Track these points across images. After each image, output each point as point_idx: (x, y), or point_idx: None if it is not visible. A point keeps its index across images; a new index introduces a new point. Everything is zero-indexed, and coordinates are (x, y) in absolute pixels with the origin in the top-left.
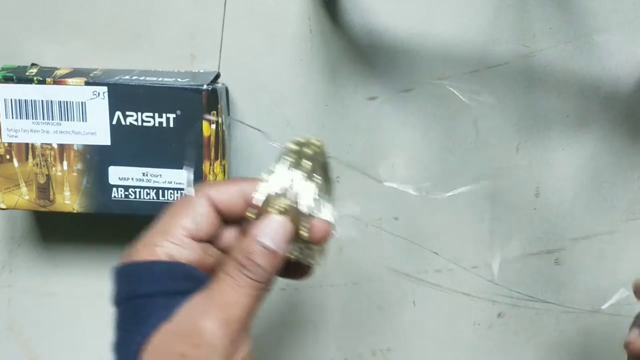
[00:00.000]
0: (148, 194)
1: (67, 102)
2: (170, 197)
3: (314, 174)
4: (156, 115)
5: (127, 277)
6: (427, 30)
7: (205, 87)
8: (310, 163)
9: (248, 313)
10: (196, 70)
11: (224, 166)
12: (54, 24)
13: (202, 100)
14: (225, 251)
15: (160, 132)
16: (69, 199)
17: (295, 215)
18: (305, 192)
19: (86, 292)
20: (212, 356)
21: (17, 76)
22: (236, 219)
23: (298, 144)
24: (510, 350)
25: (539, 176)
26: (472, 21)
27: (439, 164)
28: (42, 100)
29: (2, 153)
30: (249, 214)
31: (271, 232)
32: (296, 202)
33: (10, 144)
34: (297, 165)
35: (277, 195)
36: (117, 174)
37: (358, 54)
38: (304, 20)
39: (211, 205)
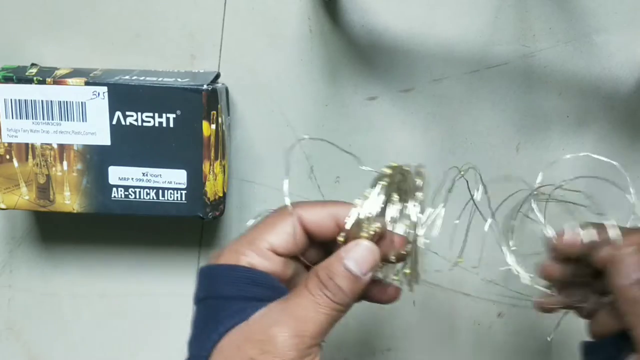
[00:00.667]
0: (148, 194)
1: (67, 102)
2: (170, 197)
3: (406, 199)
4: (156, 115)
5: (209, 278)
6: (427, 30)
7: (205, 87)
8: (403, 189)
9: (321, 330)
10: (196, 70)
11: (224, 166)
12: (54, 24)
13: (202, 100)
14: (308, 267)
15: (160, 132)
16: (69, 199)
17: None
18: (397, 217)
19: (86, 292)
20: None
21: (17, 76)
22: (324, 240)
23: (392, 168)
24: (510, 350)
25: (538, 176)
26: (472, 21)
27: (439, 164)
28: (42, 100)
29: (2, 153)
30: (339, 239)
31: (357, 256)
32: (387, 227)
33: (10, 144)
34: (389, 190)
35: (369, 220)
36: (117, 174)
37: (358, 54)
38: (304, 20)
39: (300, 225)
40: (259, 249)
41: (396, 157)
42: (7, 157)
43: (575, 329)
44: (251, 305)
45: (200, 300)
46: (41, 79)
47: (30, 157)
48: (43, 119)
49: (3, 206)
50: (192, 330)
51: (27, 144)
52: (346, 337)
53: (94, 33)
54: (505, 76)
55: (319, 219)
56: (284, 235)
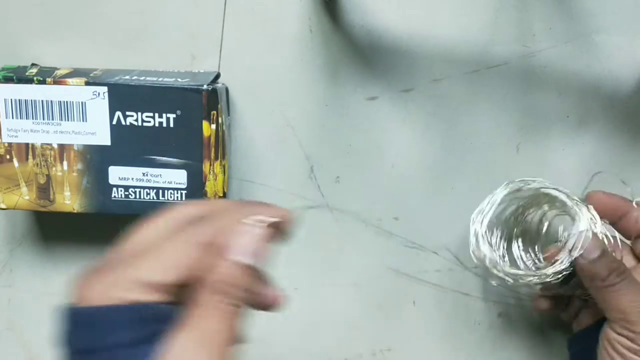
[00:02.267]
0: (148, 194)
1: (67, 102)
2: (170, 197)
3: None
4: (156, 115)
5: (88, 325)
6: (427, 30)
7: (205, 87)
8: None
9: (232, 335)
10: (196, 70)
11: (224, 166)
12: (54, 24)
13: (202, 100)
14: None
15: (160, 132)
16: (69, 199)
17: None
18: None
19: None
20: None
21: (17, 76)
22: None
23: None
24: (510, 350)
25: (538, 176)
26: (472, 21)
27: (439, 164)
28: (42, 100)
29: (2, 153)
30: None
31: (242, 245)
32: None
33: (10, 144)
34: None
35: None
36: (117, 174)
37: (358, 54)
38: (304, 20)
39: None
40: (139, 285)
41: (396, 157)
42: (7, 157)
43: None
44: (146, 349)
45: (81, 352)
46: (41, 79)
47: (30, 157)
48: (43, 119)
49: (3, 206)
50: None
51: (27, 144)
52: (346, 337)
53: (94, 33)
54: (505, 76)
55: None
56: (170, 267)
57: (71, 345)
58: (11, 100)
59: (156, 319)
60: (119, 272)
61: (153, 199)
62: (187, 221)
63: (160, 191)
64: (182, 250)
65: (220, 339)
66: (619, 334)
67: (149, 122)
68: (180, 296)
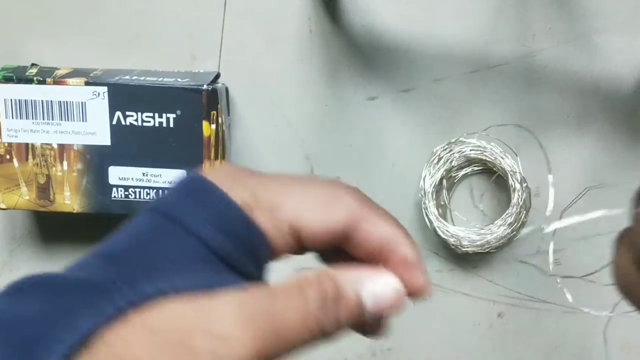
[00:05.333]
0: (148, 194)
1: (67, 102)
2: None
3: None
4: (156, 115)
5: (198, 198)
6: (427, 30)
7: (205, 87)
8: None
9: (282, 352)
10: (196, 70)
11: None
12: (54, 24)
13: (202, 100)
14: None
15: (160, 132)
16: (69, 199)
17: None
18: None
19: None
20: None
21: (17, 76)
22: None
23: None
24: (510, 350)
25: (539, 176)
26: (472, 21)
27: None
28: (42, 100)
29: (2, 153)
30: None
31: (378, 291)
32: None
33: (10, 144)
34: None
35: None
36: (117, 174)
37: (358, 54)
38: (304, 20)
39: (346, 229)
40: (282, 222)
41: (396, 157)
42: (7, 157)
43: (575, 330)
44: (226, 276)
45: (170, 218)
46: (41, 79)
47: (30, 157)
48: (43, 119)
49: (3, 206)
50: (127, 238)
51: (27, 144)
52: (346, 337)
53: (94, 33)
54: (505, 76)
55: (376, 238)
56: (321, 227)
57: (159, 203)
58: (11, 100)
59: (262, 262)
60: (272, 186)
61: (153, 199)
62: None
63: (160, 191)
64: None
65: (273, 329)
66: None
67: (149, 122)
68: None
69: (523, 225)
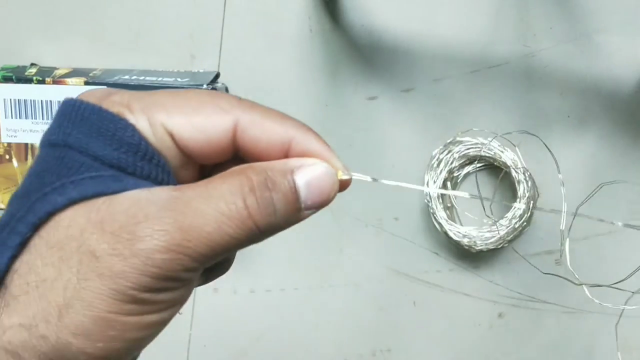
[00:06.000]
0: None
1: None
2: None
3: None
4: None
5: (79, 121)
6: (427, 30)
7: (205, 86)
8: None
9: (212, 251)
10: (196, 70)
11: None
12: (53, 24)
13: None
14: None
15: None
16: None
17: None
18: None
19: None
20: (128, 282)
21: (17, 76)
22: (255, 160)
23: None
24: (510, 350)
25: (539, 176)
26: (472, 21)
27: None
28: (41, 100)
29: (1, 153)
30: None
31: (312, 178)
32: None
33: (9, 144)
34: None
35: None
36: None
37: (358, 54)
38: (304, 20)
39: (233, 132)
40: (157, 126)
41: (396, 156)
42: (7, 157)
43: (575, 330)
44: (126, 181)
45: (53, 145)
46: (41, 78)
47: (29, 156)
48: (42, 119)
49: (2, 206)
50: (24, 180)
51: (26, 144)
52: (346, 337)
53: (93, 33)
54: (505, 76)
55: (267, 138)
56: (202, 131)
57: (49, 133)
58: (10, 100)
59: (157, 166)
60: (147, 98)
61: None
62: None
63: None
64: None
65: (197, 238)
66: None
67: None
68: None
69: (532, 215)
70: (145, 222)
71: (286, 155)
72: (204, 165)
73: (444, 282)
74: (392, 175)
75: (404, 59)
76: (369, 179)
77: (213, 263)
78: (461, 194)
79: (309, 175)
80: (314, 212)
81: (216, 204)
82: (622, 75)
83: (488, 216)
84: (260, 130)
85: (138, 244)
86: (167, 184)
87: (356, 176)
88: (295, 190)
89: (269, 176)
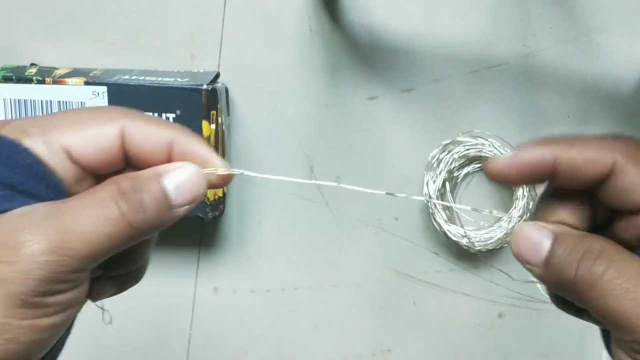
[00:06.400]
0: None
1: (66, 102)
2: None
3: None
4: (156, 115)
5: None
6: (427, 30)
7: (204, 86)
8: None
9: (93, 253)
10: (196, 70)
11: None
12: (53, 24)
13: (201, 100)
14: None
15: None
16: None
17: None
18: None
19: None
20: (17, 286)
21: (17, 76)
22: (144, 166)
23: None
24: (510, 350)
25: None
26: (472, 21)
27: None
28: (41, 100)
29: None
30: (220, 172)
31: (181, 181)
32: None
33: None
34: None
35: None
36: None
37: (358, 54)
38: (304, 20)
39: (121, 140)
40: (52, 144)
41: (396, 156)
42: None
43: (575, 330)
44: (17, 200)
45: None
46: (41, 78)
47: None
48: None
49: None
50: None
51: None
52: (346, 337)
53: (93, 33)
54: (505, 76)
55: (150, 142)
56: (92, 142)
57: None
58: (10, 100)
59: (49, 185)
60: (39, 122)
61: None
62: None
63: None
64: (112, 137)
65: (76, 242)
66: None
67: None
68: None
69: (532, 216)
70: (28, 229)
71: (169, 156)
72: (100, 179)
73: (443, 282)
74: (392, 175)
75: (404, 59)
76: (240, 172)
77: (98, 263)
78: (461, 207)
79: (177, 177)
80: (190, 209)
81: (92, 207)
82: (622, 75)
83: (491, 213)
84: (143, 136)
85: (22, 249)
86: (57, 197)
87: (236, 171)
88: (163, 191)
89: (137, 181)
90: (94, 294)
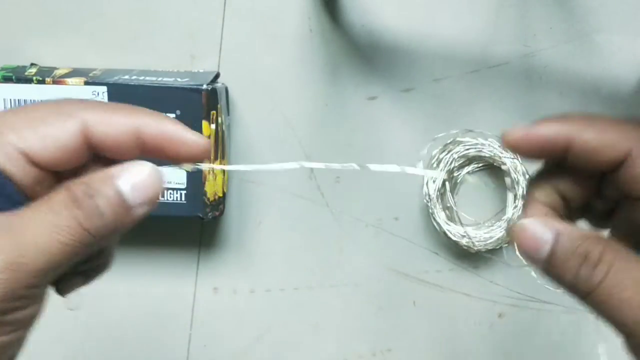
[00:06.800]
0: None
1: None
2: (170, 197)
3: None
4: None
5: None
6: (427, 30)
7: (204, 86)
8: None
9: (49, 265)
10: (196, 70)
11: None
12: (53, 24)
13: (201, 100)
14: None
15: None
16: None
17: None
18: None
19: (86, 292)
20: None
21: (17, 76)
22: (116, 158)
23: None
24: (510, 350)
25: None
26: (472, 21)
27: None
28: (41, 100)
29: None
30: (186, 168)
31: (137, 180)
32: None
33: None
34: None
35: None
36: None
37: (358, 54)
38: (304, 20)
39: (83, 135)
40: (7, 147)
41: (396, 157)
42: None
43: (576, 330)
44: None
45: None
46: (40, 78)
47: None
48: None
49: None
50: None
51: None
52: (346, 337)
53: (93, 33)
54: (505, 76)
55: (115, 132)
56: (50, 141)
57: None
58: (10, 100)
59: (2, 195)
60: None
61: None
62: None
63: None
64: (73, 134)
65: (31, 255)
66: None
67: None
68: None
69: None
70: None
71: (140, 143)
72: (62, 177)
73: (443, 282)
74: (392, 175)
75: (404, 59)
76: (207, 166)
77: (57, 274)
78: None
79: (132, 177)
80: (150, 208)
81: (45, 217)
82: (622, 75)
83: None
84: (106, 125)
85: None
86: (18, 206)
87: (202, 167)
88: (119, 193)
89: (91, 186)
90: (62, 289)
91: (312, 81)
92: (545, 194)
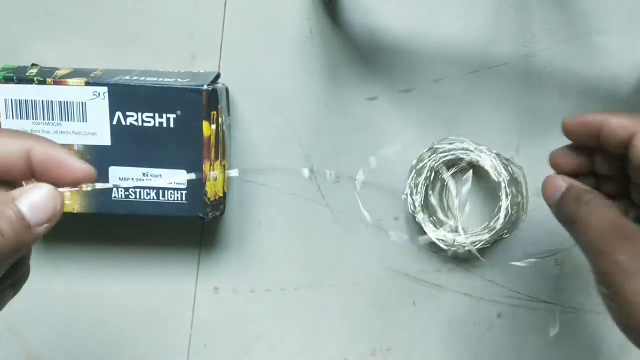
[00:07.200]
0: (148, 194)
1: (67, 102)
2: (171, 197)
3: None
4: (156, 115)
5: None
6: (427, 30)
7: (205, 87)
8: None
9: None
10: (196, 71)
11: (224, 166)
12: (54, 24)
13: (202, 100)
14: None
15: (160, 132)
16: (69, 199)
17: None
18: None
19: (86, 292)
20: None
21: (17, 76)
22: (6, 181)
23: None
24: (510, 350)
25: (539, 176)
26: (472, 21)
27: None
28: (42, 101)
29: None
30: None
31: (35, 201)
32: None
33: None
34: None
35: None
36: (117, 174)
37: (358, 54)
38: (304, 20)
39: None
40: None
41: (396, 157)
42: None
43: (576, 329)
44: None
45: None
46: (41, 79)
47: None
48: (43, 119)
49: None
50: None
51: None
52: (346, 337)
53: (94, 33)
54: (505, 76)
55: (6, 155)
56: None
57: None
58: (11, 100)
59: None
60: None
61: (153, 199)
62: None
63: (161, 191)
64: None
65: None
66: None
67: (149, 122)
68: None
69: (518, 217)
70: None
71: (29, 165)
72: None
73: (443, 282)
74: (392, 175)
75: (404, 59)
76: (109, 185)
77: None
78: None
79: (30, 197)
80: (50, 226)
81: None
82: (622, 76)
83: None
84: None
85: None
86: None
87: (99, 186)
88: (18, 213)
89: None
90: None
91: (312, 81)
92: (566, 162)
